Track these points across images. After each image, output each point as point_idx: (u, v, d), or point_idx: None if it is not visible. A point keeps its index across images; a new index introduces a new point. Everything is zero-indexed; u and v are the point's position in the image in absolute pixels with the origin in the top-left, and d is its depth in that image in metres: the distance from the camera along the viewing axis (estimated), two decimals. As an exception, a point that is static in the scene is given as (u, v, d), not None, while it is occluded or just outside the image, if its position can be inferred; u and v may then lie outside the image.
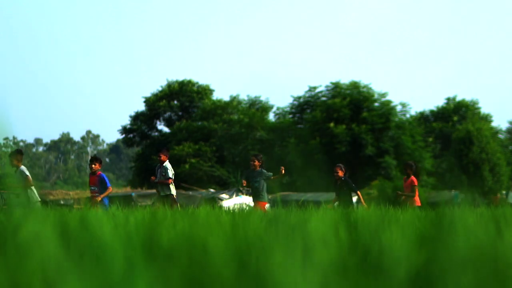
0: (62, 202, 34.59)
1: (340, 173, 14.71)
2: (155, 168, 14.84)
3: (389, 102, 58.71)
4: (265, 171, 14.02)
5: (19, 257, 2.50)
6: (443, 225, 3.06)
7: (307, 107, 60.46)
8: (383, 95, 59.04)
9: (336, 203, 14.70)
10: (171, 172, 14.40)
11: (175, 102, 66.09)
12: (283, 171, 13.66)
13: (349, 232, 3.18)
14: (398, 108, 59.29)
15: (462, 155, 50.42)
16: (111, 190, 14.25)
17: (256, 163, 14.04)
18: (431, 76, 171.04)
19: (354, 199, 15.45)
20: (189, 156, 58.79)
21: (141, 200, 35.76)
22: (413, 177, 15.83)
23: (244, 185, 14.12)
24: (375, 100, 58.53)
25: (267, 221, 4.16)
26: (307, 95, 60.63)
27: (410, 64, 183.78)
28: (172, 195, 14.34)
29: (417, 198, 15.81)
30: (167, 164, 14.49)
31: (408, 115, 60.64)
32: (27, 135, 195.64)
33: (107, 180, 14.24)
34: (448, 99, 65.60)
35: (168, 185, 14.37)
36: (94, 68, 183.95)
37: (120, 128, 66.75)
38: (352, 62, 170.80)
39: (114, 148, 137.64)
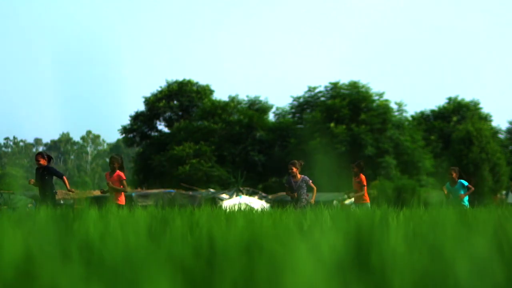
0: (62, 202, 34.51)
1: (43, 161, 13.85)
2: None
3: (386, 101, 58.71)
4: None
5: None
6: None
7: (307, 107, 60.50)
8: (381, 94, 59.06)
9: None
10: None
11: (175, 102, 66.08)
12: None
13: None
14: (395, 107, 59.36)
15: (462, 155, 50.38)
16: None
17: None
18: (432, 76, 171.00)
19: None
20: (189, 156, 58.77)
21: (141, 200, 35.69)
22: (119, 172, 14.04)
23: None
24: (373, 100, 58.55)
25: None
26: (306, 95, 60.71)
27: (410, 64, 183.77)
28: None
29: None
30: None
31: (407, 115, 60.67)
32: (27, 135, 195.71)
33: None
34: (450, 99, 65.60)
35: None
36: (94, 68, 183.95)
37: (120, 128, 66.78)
38: (352, 62, 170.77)
39: (114, 148, 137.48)
